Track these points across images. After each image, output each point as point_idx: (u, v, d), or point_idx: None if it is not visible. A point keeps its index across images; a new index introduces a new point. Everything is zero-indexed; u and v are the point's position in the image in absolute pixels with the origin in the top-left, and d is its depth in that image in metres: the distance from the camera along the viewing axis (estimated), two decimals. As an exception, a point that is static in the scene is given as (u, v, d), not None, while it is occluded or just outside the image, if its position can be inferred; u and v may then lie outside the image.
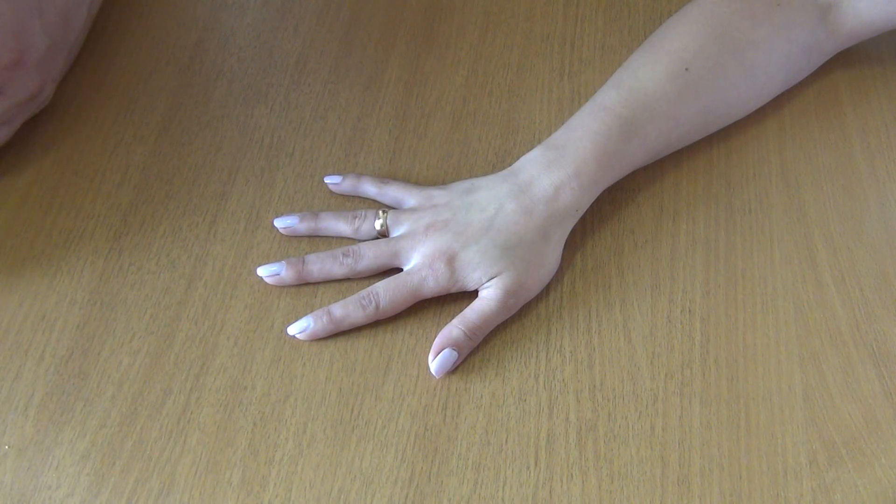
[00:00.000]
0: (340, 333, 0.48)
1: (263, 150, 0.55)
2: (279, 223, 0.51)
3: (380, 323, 0.48)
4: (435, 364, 0.46)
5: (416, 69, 0.60)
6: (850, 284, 0.50)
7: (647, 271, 0.50)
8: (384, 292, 0.47)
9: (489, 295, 0.47)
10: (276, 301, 0.49)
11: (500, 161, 0.55)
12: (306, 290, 0.49)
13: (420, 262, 0.48)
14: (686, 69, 0.52)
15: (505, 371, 0.47)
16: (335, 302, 0.48)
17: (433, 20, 0.62)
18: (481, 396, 0.46)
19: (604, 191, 0.52)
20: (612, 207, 0.53)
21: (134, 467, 0.43)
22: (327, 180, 0.53)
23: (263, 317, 0.48)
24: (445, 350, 0.46)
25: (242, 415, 0.45)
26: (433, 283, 0.47)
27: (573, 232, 0.51)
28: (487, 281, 0.47)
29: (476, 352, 0.47)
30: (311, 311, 0.48)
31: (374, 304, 0.47)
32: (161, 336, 0.48)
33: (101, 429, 0.44)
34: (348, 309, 0.47)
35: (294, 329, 0.47)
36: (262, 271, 0.49)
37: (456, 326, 0.46)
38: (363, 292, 0.47)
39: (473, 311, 0.47)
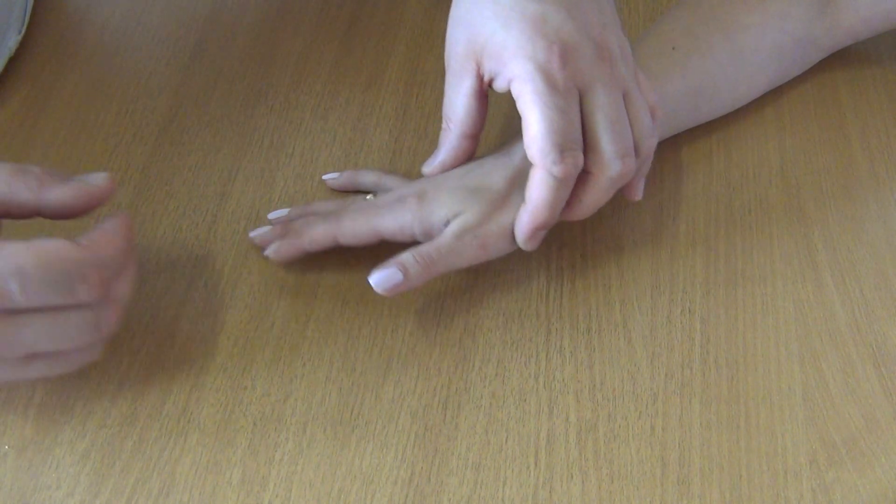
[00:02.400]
0: (340, 333, 0.48)
1: (263, 150, 0.55)
2: (273, 217, 0.51)
3: (380, 323, 0.48)
4: (374, 277, 0.45)
5: (416, 69, 0.60)
6: (850, 284, 0.50)
7: (647, 271, 0.50)
8: (346, 212, 0.47)
9: (448, 230, 0.46)
10: (276, 301, 0.49)
11: (500, 161, 0.54)
12: (306, 290, 0.49)
13: (392, 195, 0.48)
14: (673, 48, 0.52)
15: (505, 371, 0.47)
16: (334, 302, 0.48)
17: (433, 20, 0.62)
18: (481, 396, 0.46)
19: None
20: (612, 207, 0.53)
21: (134, 467, 0.43)
22: (326, 178, 0.53)
23: (263, 317, 0.48)
24: (391, 268, 0.45)
25: (242, 415, 0.45)
26: (398, 215, 0.46)
27: (573, 232, 0.51)
28: (452, 220, 0.46)
29: (476, 352, 0.47)
30: (312, 311, 0.48)
31: (334, 218, 0.47)
32: (161, 336, 0.48)
33: (101, 429, 0.44)
34: (309, 222, 0.48)
35: (268, 252, 0.48)
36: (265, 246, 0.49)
37: (407, 251, 0.45)
38: (329, 213, 0.48)
39: (429, 243, 0.46)
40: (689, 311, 0.49)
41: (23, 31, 0.59)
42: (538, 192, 0.43)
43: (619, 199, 0.53)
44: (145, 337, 0.47)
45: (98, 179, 0.40)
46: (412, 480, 0.43)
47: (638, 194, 0.49)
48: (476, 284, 0.50)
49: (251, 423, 0.45)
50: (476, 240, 0.46)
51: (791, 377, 0.46)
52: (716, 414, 0.45)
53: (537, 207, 0.44)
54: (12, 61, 0.59)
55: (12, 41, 0.58)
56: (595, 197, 0.45)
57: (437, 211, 0.46)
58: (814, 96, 0.58)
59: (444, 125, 0.48)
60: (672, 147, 0.55)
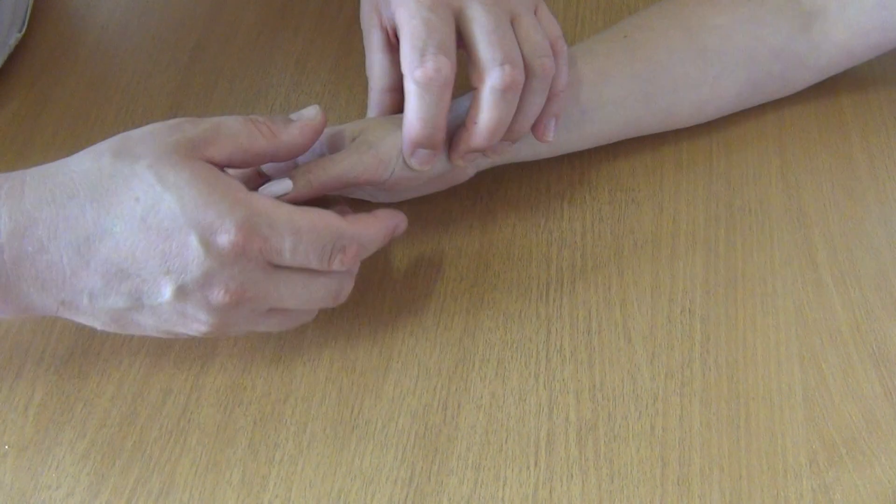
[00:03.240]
0: (340, 333, 0.48)
1: (263, 150, 0.55)
2: None
3: (380, 323, 0.48)
4: (263, 187, 0.43)
5: (416, 69, 0.59)
6: (850, 284, 0.50)
7: (647, 271, 0.50)
8: None
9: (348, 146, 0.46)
10: (276, 301, 0.49)
11: (500, 161, 0.54)
12: (306, 290, 0.49)
13: None
14: (624, 36, 0.51)
15: (505, 371, 0.47)
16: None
17: (433, 20, 0.62)
18: (481, 396, 0.46)
19: (604, 191, 0.52)
20: (611, 207, 0.53)
21: (134, 467, 0.43)
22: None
23: (263, 317, 0.48)
24: (282, 177, 0.43)
25: (242, 415, 0.45)
26: None
27: (573, 232, 0.51)
28: (357, 136, 0.45)
29: (476, 352, 0.47)
30: (311, 311, 0.48)
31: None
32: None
33: (101, 429, 0.44)
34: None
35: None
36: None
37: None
38: None
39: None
40: (689, 311, 0.49)
41: (23, 30, 0.59)
42: (407, 102, 0.43)
43: (619, 198, 0.53)
44: (145, 337, 0.47)
45: (312, 112, 0.43)
46: (412, 480, 0.43)
47: (547, 134, 0.47)
48: (476, 284, 0.50)
49: (251, 423, 0.45)
50: (372, 150, 0.45)
51: (791, 377, 0.46)
52: (716, 414, 0.45)
53: (409, 119, 0.43)
54: (13, 60, 0.59)
55: (12, 39, 0.58)
56: (487, 115, 0.43)
57: (346, 129, 0.46)
58: (814, 96, 0.58)
59: (369, 84, 0.49)
60: (672, 147, 0.55)
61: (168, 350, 0.47)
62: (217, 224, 0.37)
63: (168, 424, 0.45)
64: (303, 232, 0.39)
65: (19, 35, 0.59)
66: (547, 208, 0.53)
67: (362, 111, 0.57)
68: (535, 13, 0.46)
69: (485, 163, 0.48)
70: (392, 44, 0.47)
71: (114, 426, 0.45)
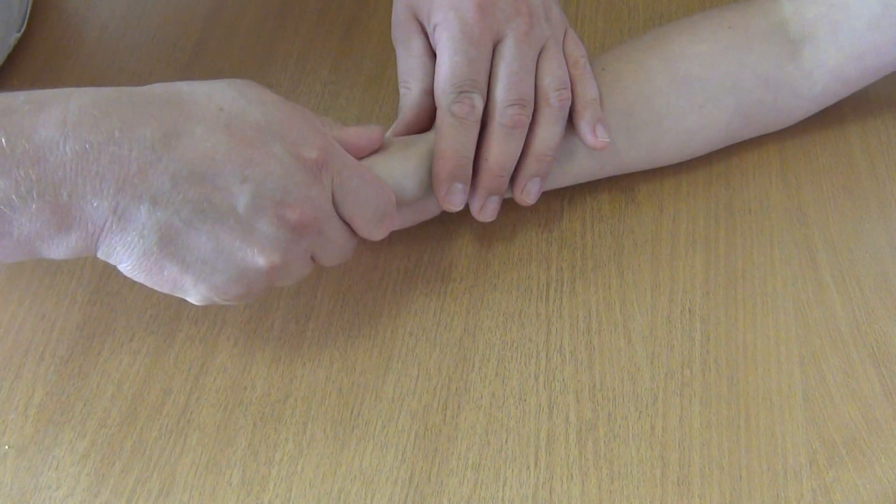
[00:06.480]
0: (340, 333, 0.48)
1: (263, 150, 0.55)
2: None
3: (380, 323, 0.48)
4: None
5: (416, 69, 0.60)
6: (850, 284, 0.50)
7: (647, 271, 0.50)
8: None
9: None
10: (276, 301, 0.49)
11: (500, 161, 0.54)
12: (306, 289, 0.49)
13: None
14: (602, 69, 0.50)
15: (505, 371, 0.47)
16: (334, 302, 0.48)
17: (433, 20, 0.62)
18: (481, 396, 0.46)
19: (604, 190, 0.52)
20: (611, 207, 0.53)
21: (134, 467, 0.43)
22: None
23: (263, 317, 0.48)
24: None
25: (242, 415, 0.45)
26: None
27: (573, 232, 0.51)
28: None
29: (476, 352, 0.47)
30: (312, 311, 0.48)
31: None
32: (161, 336, 0.48)
33: (101, 429, 0.44)
34: None
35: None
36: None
37: None
38: None
39: None
40: (689, 311, 0.49)
41: (22, 30, 0.59)
42: (441, 133, 0.44)
43: (619, 198, 0.53)
44: (145, 337, 0.47)
45: (372, 126, 0.45)
46: (412, 480, 0.43)
47: (526, 196, 0.48)
48: (476, 284, 0.50)
49: (251, 423, 0.45)
50: None
51: (791, 377, 0.46)
52: (716, 414, 0.45)
53: (440, 149, 0.44)
54: (12, 60, 0.59)
55: (12, 38, 0.58)
56: (496, 149, 0.45)
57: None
58: (814, 96, 0.58)
59: (402, 90, 0.48)
60: (672, 147, 0.55)
61: (168, 350, 0.47)
62: (300, 141, 0.38)
63: (168, 424, 0.45)
64: (368, 180, 0.41)
65: (18, 35, 0.59)
66: (547, 208, 0.53)
67: (362, 111, 0.57)
68: (564, 38, 0.48)
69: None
70: (434, 52, 0.47)
71: (114, 426, 0.45)
